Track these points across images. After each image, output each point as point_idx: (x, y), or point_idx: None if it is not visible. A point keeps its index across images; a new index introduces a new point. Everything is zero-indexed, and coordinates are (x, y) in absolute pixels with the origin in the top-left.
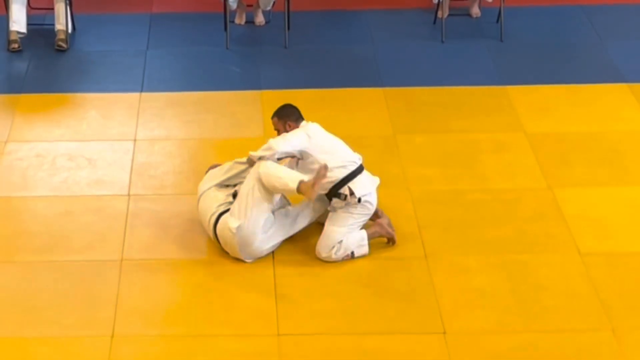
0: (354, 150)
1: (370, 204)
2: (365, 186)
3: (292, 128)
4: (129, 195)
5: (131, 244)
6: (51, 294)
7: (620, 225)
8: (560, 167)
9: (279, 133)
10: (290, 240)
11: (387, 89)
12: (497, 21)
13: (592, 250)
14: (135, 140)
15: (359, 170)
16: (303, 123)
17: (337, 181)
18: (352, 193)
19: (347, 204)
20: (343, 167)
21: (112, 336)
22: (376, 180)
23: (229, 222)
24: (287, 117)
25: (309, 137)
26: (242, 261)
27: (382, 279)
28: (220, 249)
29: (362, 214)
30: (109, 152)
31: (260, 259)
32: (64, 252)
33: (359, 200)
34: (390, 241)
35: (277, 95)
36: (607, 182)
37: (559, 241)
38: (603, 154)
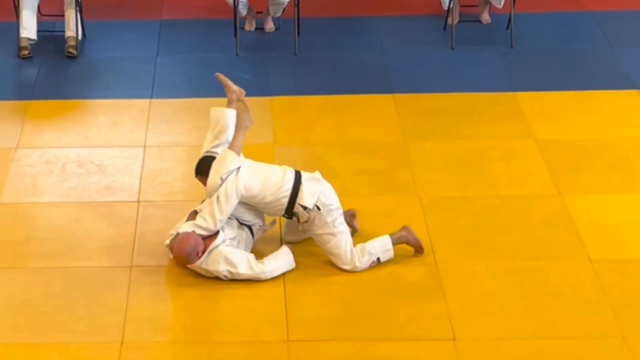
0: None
1: (330, 203)
2: (313, 192)
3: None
4: (138, 201)
5: (141, 250)
6: (61, 300)
7: (631, 232)
8: (570, 173)
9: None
10: (299, 246)
11: (397, 95)
12: (508, 27)
13: (603, 257)
14: (145, 146)
15: (298, 182)
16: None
17: (285, 207)
18: (305, 207)
19: (310, 219)
20: (284, 193)
21: (122, 342)
22: (317, 176)
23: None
24: None
25: (237, 190)
26: None
27: (391, 285)
28: None
29: (333, 213)
30: (118, 158)
31: None
32: (74, 259)
33: (318, 208)
34: (418, 251)
35: (287, 102)
36: (618, 188)
37: (569, 248)
38: (613, 161)
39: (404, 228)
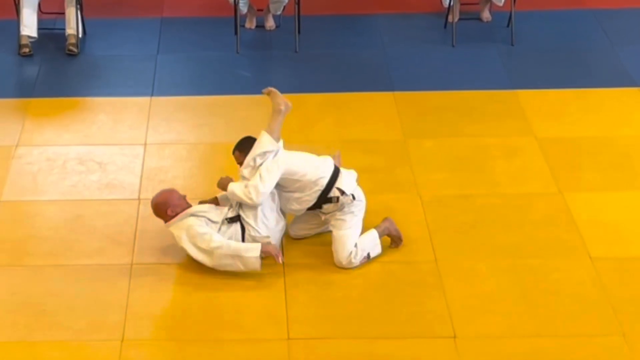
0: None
1: (360, 199)
2: (350, 183)
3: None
4: (139, 199)
5: (141, 248)
6: (61, 298)
7: (631, 230)
8: (571, 171)
9: (241, 165)
10: (300, 244)
11: (398, 93)
12: (508, 25)
13: (603, 255)
14: (145, 144)
15: (337, 171)
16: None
17: (322, 189)
18: (342, 192)
19: (342, 205)
20: (324, 174)
21: (122, 340)
22: (354, 174)
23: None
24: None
25: (279, 165)
26: None
27: (392, 283)
28: None
29: (360, 209)
30: (119, 156)
31: (271, 263)
32: (75, 256)
33: (353, 197)
34: (395, 242)
35: (287, 99)
36: (618, 186)
37: (570, 246)
38: (614, 159)
39: (386, 219)
